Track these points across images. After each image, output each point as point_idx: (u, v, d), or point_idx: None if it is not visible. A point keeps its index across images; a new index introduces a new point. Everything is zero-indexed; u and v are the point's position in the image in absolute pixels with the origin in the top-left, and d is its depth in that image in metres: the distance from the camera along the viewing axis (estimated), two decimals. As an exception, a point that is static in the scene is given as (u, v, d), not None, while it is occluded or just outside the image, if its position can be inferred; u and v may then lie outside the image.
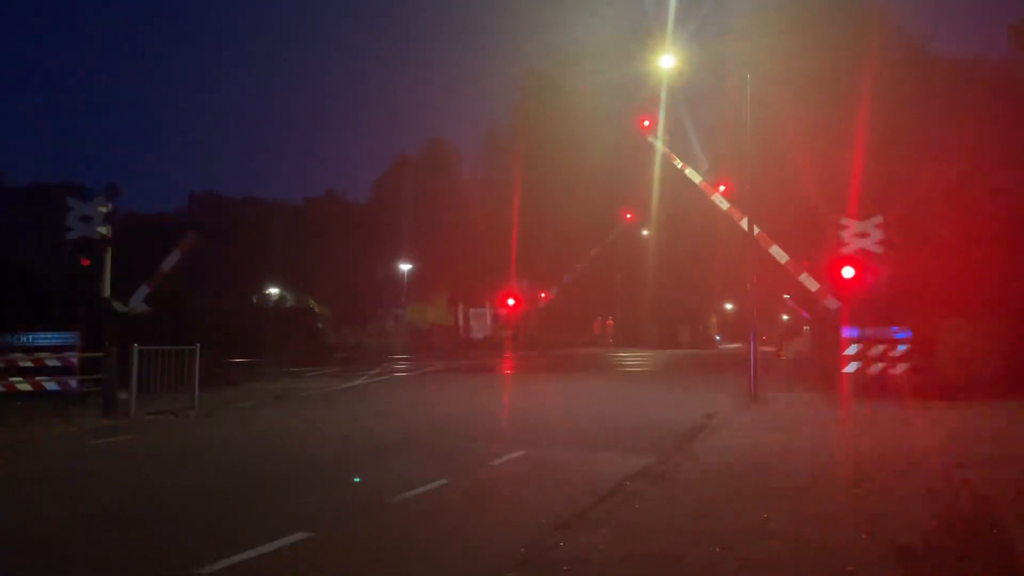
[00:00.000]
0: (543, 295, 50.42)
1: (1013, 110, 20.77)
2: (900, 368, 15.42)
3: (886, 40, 22.80)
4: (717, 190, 22.09)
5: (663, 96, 28.55)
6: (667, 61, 22.17)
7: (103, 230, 14.93)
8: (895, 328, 15.84)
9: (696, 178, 23.15)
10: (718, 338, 60.42)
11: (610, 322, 55.46)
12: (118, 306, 14.47)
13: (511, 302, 36.01)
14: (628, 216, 42.42)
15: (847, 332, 16.16)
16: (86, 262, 14.93)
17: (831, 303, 18.48)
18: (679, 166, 24.51)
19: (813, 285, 19.45)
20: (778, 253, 19.00)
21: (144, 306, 15.31)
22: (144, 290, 15.15)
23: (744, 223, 19.59)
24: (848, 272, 16.10)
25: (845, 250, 16.59)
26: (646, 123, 24.58)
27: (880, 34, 22.72)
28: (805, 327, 50.33)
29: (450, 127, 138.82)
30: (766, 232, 19.54)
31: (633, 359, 36.69)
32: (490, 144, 47.66)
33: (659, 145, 24.66)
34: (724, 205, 20.91)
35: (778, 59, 22.12)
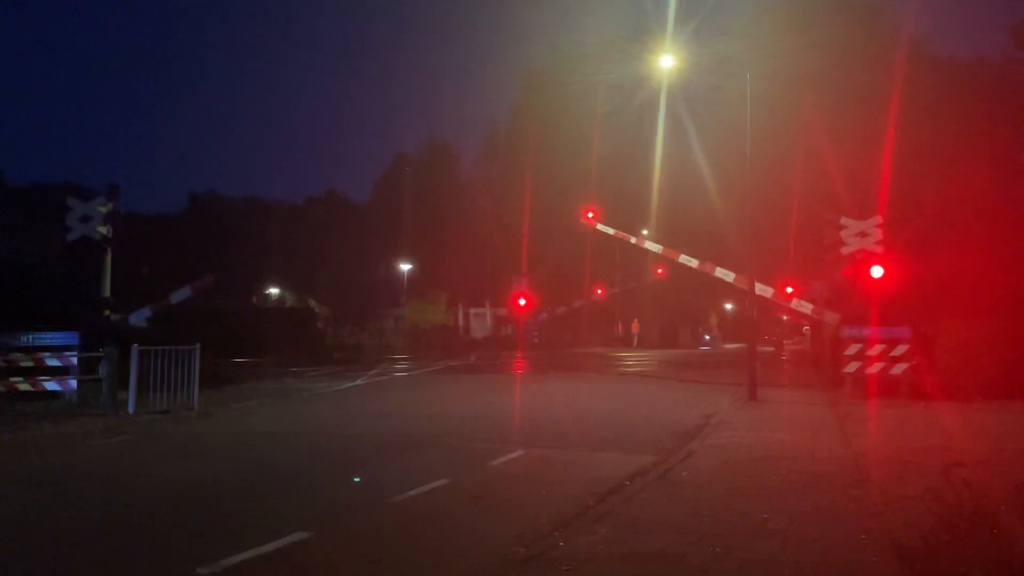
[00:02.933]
0: (546, 310, 50.35)
1: (1014, 110, 20.78)
2: (900, 368, 15.42)
3: (886, 40, 22.84)
4: (680, 253, 22.57)
5: (663, 96, 28.71)
6: (667, 61, 22.20)
7: (103, 230, 14.91)
8: (895, 328, 15.85)
9: (656, 248, 23.78)
10: (707, 338, 59.48)
11: (636, 324, 55.39)
12: (116, 318, 14.45)
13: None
14: (659, 272, 42.88)
15: (847, 332, 16.16)
16: (86, 262, 14.94)
17: (830, 318, 18.48)
18: (634, 242, 25.35)
19: (807, 308, 19.58)
20: (763, 290, 19.06)
21: (145, 323, 15.27)
22: (146, 312, 15.13)
23: (719, 272, 19.80)
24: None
25: (844, 250, 16.60)
26: (590, 214, 25.85)
27: (880, 34, 22.76)
28: (805, 327, 50.36)
29: (450, 127, 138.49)
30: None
31: (632, 359, 36.69)
32: (490, 144, 47.73)
33: (609, 230, 25.66)
34: (693, 263, 21.24)
35: (778, 59, 22.16)
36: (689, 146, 30.61)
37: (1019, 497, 6.09)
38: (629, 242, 26.27)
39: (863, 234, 16.52)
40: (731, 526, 6.13)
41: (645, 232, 43.34)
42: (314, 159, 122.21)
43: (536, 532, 6.16)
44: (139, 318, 14.90)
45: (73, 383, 14.57)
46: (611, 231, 25.71)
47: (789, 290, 22.21)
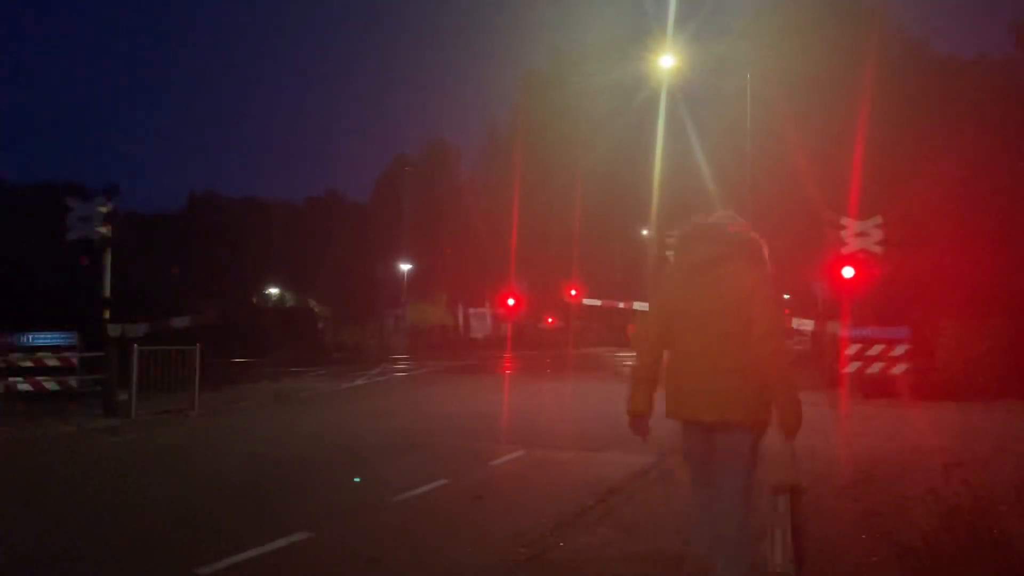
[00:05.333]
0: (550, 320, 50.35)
1: (1014, 109, 20.77)
2: (900, 368, 15.41)
3: (886, 40, 22.83)
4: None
5: (663, 96, 28.71)
6: (667, 61, 22.21)
7: (103, 230, 14.89)
8: (895, 328, 15.83)
9: (644, 307, 24.72)
10: None
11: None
12: (113, 329, 14.43)
13: (511, 302, 36.01)
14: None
15: (847, 332, 16.13)
16: (85, 262, 14.93)
17: (833, 327, 18.46)
18: (622, 306, 26.22)
19: (808, 325, 19.60)
20: None
21: (142, 335, 15.21)
22: (144, 327, 15.13)
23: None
24: (848, 272, 16.09)
25: (845, 250, 16.57)
26: (573, 292, 26.98)
27: (880, 34, 22.75)
28: (805, 327, 50.13)
29: (450, 127, 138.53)
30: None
31: (632, 359, 36.67)
32: (490, 144, 47.69)
33: (596, 303, 26.68)
34: None
35: (778, 59, 22.15)
36: (690, 146, 30.60)
37: (1019, 498, 6.10)
38: (617, 307, 27.46)
39: (863, 234, 16.49)
40: (731, 526, 6.12)
41: (645, 233, 43.37)
42: (314, 159, 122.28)
43: (536, 532, 6.15)
44: (136, 331, 14.88)
45: (73, 383, 14.55)
46: (598, 303, 26.82)
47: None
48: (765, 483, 4.00)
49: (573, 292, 45.30)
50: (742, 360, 3.80)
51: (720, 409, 3.84)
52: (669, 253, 4.23)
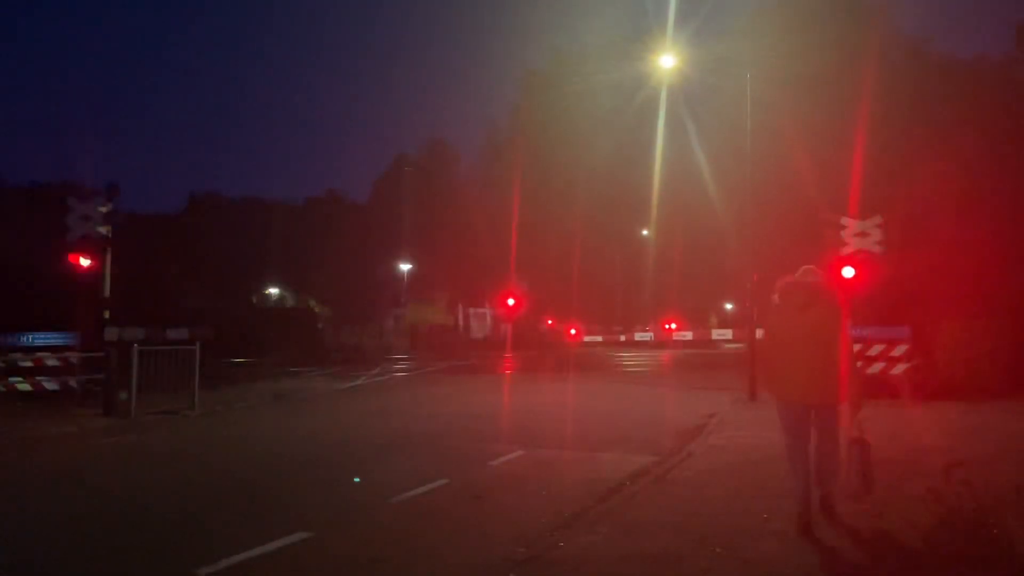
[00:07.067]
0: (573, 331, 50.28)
1: (1013, 109, 20.76)
2: (900, 368, 15.39)
3: (886, 40, 22.82)
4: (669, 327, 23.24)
5: (663, 96, 28.71)
6: (667, 61, 22.18)
7: (103, 230, 14.90)
8: (895, 328, 15.82)
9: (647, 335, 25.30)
10: (690, 336, 58.98)
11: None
12: (110, 334, 14.42)
13: (511, 302, 35.95)
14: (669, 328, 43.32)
15: (847, 332, 16.10)
16: (85, 262, 14.92)
17: None
18: (622, 339, 26.96)
19: None
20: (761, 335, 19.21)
21: (140, 335, 15.20)
22: (140, 333, 15.12)
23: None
24: (848, 272, 16.06)
25: (845, 250, 16.55)
26: (573, 331, 28.37)
27: (880, 34, 22.73)
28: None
29: (450, 127, 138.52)
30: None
31: (634, 359, 36.70)
32: (490, 144, 47.65)
33: (597, 338, 27.89)
34: (688, 336, 22.18)
35: (778, 59, 22.14)
36: (690, 146, 30.59)
37: (1019, 498, 6.10)
38: (619, 340, 28.38)
39: (863, 234, 16.46)
40: (732, 526, 6.13)
41: (645, 232, 43.38)
42: (314, 159, 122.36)
43: (536, 532, 6.15)
44: (134, 335, 14.88)
45: (73, 383, 14.55)
46: (599, 339, 27.88)
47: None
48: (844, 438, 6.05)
49: (573, 331, 45.37)
50: (826, 365, 5.95)
51: (815, 395, 6.03)
52: (775, 297, 6.33)
